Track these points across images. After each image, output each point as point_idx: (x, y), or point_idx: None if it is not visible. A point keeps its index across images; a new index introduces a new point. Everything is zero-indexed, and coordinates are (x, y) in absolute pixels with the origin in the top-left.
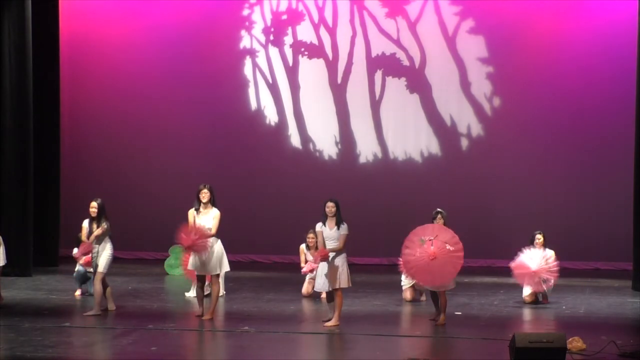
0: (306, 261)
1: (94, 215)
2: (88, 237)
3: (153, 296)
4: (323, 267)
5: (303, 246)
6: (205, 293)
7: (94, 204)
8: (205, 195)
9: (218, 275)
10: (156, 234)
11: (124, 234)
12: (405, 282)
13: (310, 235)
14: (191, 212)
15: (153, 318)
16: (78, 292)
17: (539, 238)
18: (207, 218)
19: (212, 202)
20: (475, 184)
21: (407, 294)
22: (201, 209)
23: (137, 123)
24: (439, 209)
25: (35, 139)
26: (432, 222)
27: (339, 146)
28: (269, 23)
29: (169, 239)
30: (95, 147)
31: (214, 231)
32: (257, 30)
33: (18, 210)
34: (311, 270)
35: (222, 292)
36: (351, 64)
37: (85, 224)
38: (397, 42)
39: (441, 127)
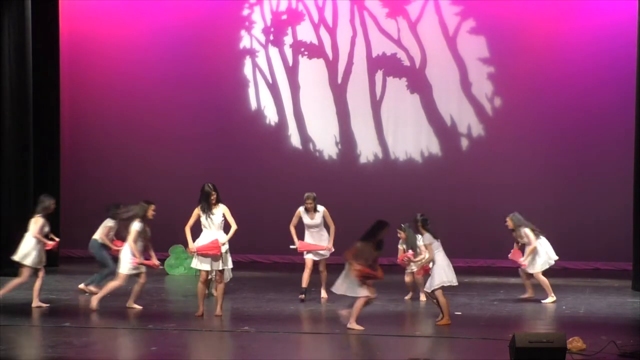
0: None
1: (151, 218)
2: (145, 239)
3: (153, 296)
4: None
5: (302, 209)
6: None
7: (154, 207)
8: (214, 197)
9: (222, 272)
10: (156, 234)
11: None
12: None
13: (309, 200)
14: (196, 211)
15: (153, 318)
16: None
17: (507, 221)
18: (216, 215)
19: (218, 199)
20: (476, 184)
21: (407, 278)
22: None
23: (137, 123)
24: (402, 224)
25: (35, 139)
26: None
27: (339, 146)
28: (269, 23)
29: (169, 239)
30: (95, 147)
31: (235, 226)
32: (257, 30)
33: (18, 211)
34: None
35: (230, 276)
36: (351, 64)
37: (110, 223)
38: (398, 42)
39: (442, 127)
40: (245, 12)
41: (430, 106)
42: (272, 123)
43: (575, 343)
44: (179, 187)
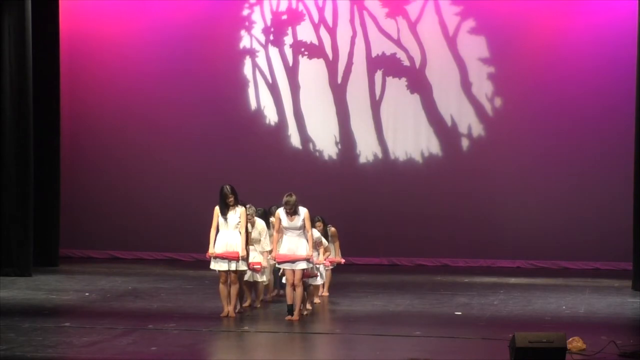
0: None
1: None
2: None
3: (153, 296)
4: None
5: (280, 210)
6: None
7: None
8: (231, 200)
9: (237, 272)
10: (156, 233)
11: (124, 233)
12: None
13: (288, 207)
14: (216, 211)
15: (153, 318)
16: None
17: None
18: (234, 216)
19: (237, 201)
20: (476, 184)
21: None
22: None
23: (137, 123)
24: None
25: (35, 139)
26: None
27: (339, 146)
28: (269, 23)
29: (169, 238)
30: (95, 147)
31: (244, 231)
32: (257, 30)
33: (18, 210)
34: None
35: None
36: (351, 64)
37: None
38: (398, 42)
39: (442, 127)
40: (245, 12)
41: (430, 106)
42: (272, 123)
43: (575, 343)
44: (179, 187)
